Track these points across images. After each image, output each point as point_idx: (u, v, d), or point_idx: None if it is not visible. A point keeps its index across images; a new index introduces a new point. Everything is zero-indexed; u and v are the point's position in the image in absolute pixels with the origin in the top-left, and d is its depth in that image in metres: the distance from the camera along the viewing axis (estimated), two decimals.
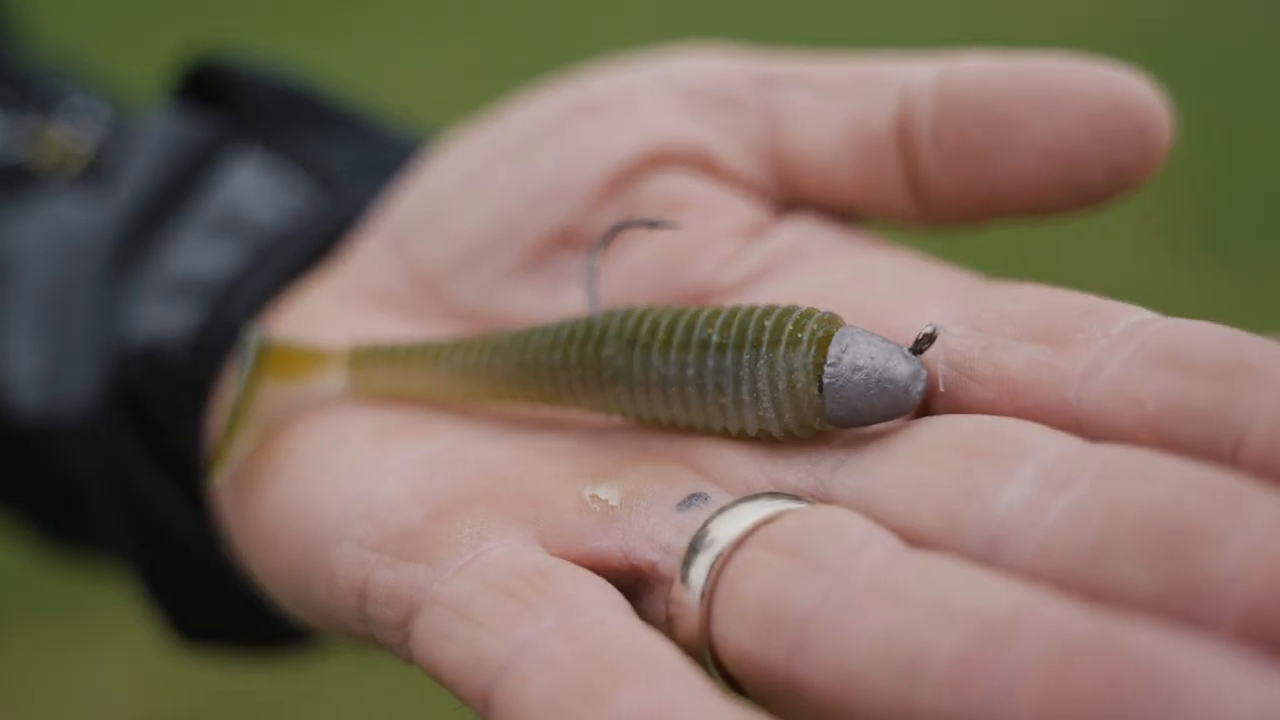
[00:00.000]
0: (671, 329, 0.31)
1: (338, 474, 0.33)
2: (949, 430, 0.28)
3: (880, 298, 0.32)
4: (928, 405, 0.30)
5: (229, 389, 0.40)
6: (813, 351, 0.29)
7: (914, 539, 0.26)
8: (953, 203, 0.35)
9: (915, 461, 0.27)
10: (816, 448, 0.30)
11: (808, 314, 0.30)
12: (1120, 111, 0.32)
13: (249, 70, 0.45)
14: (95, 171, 0.49)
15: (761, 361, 0.30)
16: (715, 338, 0.30)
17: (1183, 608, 0.22)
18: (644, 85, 0.37)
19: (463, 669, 0.27)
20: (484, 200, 0.37)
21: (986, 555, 0.25)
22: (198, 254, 0.42)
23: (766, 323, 0.30)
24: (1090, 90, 0.32)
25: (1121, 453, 0.25)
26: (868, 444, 0.29)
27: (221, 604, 0.44)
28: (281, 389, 0.35)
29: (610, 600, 0.27)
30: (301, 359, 0.35)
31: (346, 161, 0.44)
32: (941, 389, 0.29)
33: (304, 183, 0.43)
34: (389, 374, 0.35)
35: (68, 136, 0.50)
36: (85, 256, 0.45)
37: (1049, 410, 0.28)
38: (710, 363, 0.30)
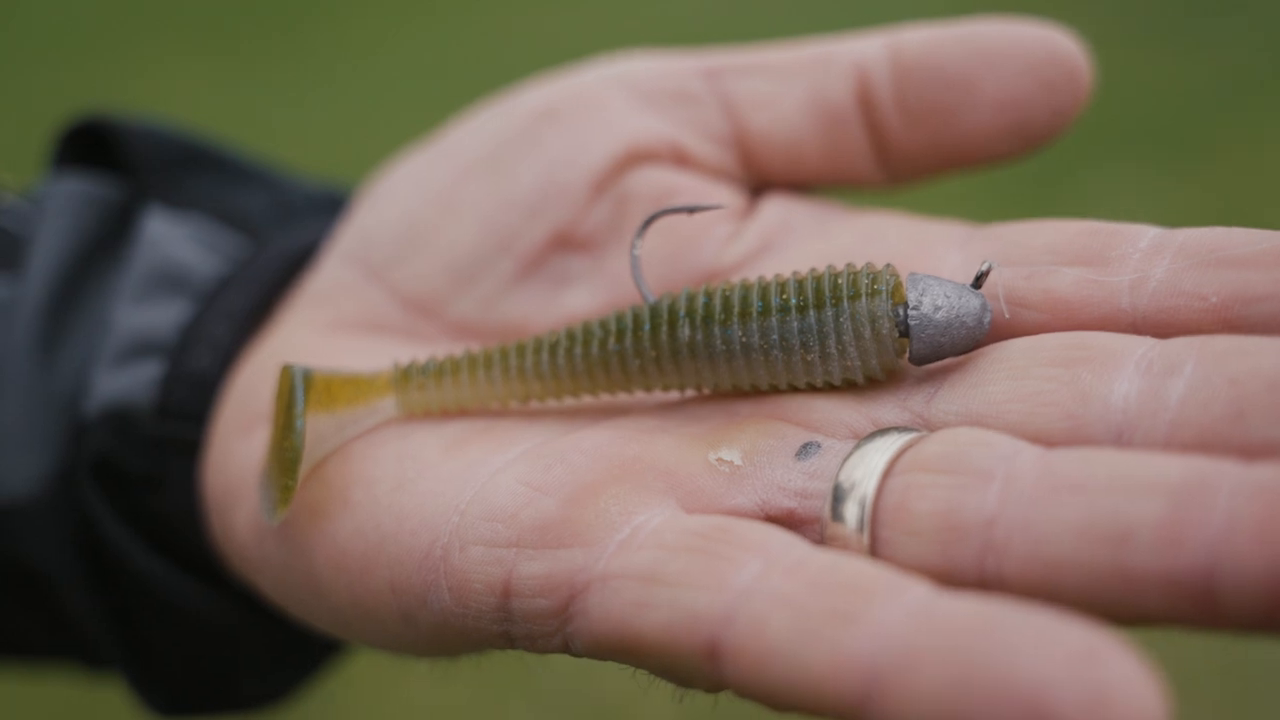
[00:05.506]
0: (745, 302, 0.33)
1: (430, 488, 0.33)
2: (1035, 349, 0.31)
3: (899, 252, 0.35)
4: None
5: (214, 435, 0.39)
6: (890, 299, 0.32)
7: (1041, 444, 0.29)
8: (916, 161, 0.38)
9: (1017, 378, 0.31)
10: (899, 386, 0.32)
11: (872, 267, 0.33)
12: (1055, 60, 0.37)
13: (134, 126, 0.44)
14: None
15: (844, 316, 0.32)
16: (794, 301, 0.33)
17: None
18: (600, 89, 0.39)
19: (675, 628, 0.28)
20: (468, 216, 0.39)
21: (1118, 445, 0.29)
22: (143, 313, 0.41)
23: (840, 280, 0.33)
24: (1028, 44, 0.37)
25: (1207, 339, 0.29)
26: (950, 374, 0.32)
27: (210, 665, 0.43)
28: (326, 420, 0.35)
29: (795, 540, 0.29)
30: (345, 388, 0.35)
31: (256, 206, 0.44)
32: (1006, 316, 0.32)
33: (223, 230, 0.43)
34: (439, 389, 0.36)
35: None
36: (3, 330, 0.43)
37: (1106, 320, 0.31)
38: (793, 325, 0.33)
